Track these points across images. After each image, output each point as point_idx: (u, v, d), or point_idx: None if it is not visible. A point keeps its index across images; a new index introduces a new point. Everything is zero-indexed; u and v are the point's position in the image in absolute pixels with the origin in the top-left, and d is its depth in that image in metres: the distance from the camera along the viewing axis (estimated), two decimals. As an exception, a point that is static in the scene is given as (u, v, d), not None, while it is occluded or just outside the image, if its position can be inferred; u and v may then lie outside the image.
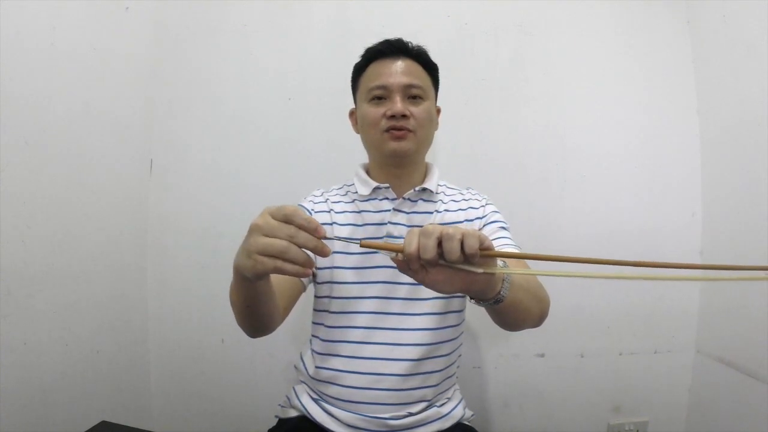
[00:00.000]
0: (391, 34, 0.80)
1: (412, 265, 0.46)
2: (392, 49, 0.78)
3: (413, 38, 0.81)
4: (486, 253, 0.44)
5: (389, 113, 0.75)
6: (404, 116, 0.75)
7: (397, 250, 0.46)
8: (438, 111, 0.85)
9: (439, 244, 0.44)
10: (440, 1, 1.17)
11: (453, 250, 0.43)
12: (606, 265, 0.42)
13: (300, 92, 1.16)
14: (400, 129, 0.75)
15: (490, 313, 0.63)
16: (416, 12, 1.16)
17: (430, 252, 0.43)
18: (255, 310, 0.62)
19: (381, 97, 0.77)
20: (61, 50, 0.88)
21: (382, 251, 0.47)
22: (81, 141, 0.94)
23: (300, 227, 0.44)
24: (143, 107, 1.12)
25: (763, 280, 0.39)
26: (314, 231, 0.44)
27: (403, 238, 0.77)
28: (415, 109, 0.76)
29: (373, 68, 0.79)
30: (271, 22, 1.16)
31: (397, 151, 0.76)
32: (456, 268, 0.45)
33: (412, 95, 0.77)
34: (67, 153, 0.91)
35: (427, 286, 0.48)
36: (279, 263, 0.44)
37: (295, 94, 1.16)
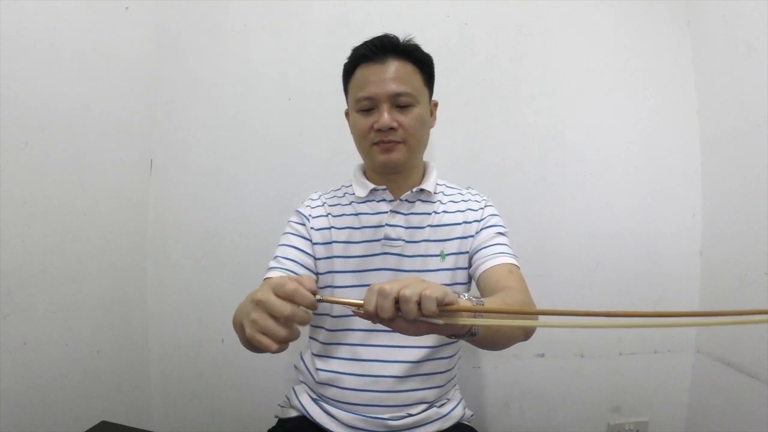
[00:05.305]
0: (391, 35, 0.79)
1: (373, 320, 0.46)
2: (379, 51, 0.74)
3: (413, 39, 0.79)
4: (446, 309, 0.44)
5: (377, 126, 0.73)
6: (392, 128, 0.73)
7: (357, 305, 0.47)
8: (435, 105, 0.83)
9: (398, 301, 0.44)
10: (440, 1, 1.16)
11: (410, 311, 0.43)
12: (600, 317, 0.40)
13: (300, 92, 1.16)
14: (388, 142, 0.74)
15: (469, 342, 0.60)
16: (416, 12, 1.16)
17: (388, 312, 0.44)
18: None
19: (368, 107, 0.74)
20: (61, 50, 0.88)
21: (343, 305, 0.48)
22: (81, 141, 0.94)
23: (301, 303, 0.45)
24: (143, 107, 1.12)
25: (763, 323, 0.39)
26: (310, 306, 0.45)
27: (402, 240, 0.78)
28: (404, 118, 0.74)
29: (360, 74, 0.75)
30: (271, 22, 1.16)
31: (387, 163, 0.75)
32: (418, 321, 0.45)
33: (400, 104, 0.74)
34: (67, 153, 0.91)
35: (395, 331, 0.47)
36: (276, 347, 0.45)
37: (295, 94, 1.16)
